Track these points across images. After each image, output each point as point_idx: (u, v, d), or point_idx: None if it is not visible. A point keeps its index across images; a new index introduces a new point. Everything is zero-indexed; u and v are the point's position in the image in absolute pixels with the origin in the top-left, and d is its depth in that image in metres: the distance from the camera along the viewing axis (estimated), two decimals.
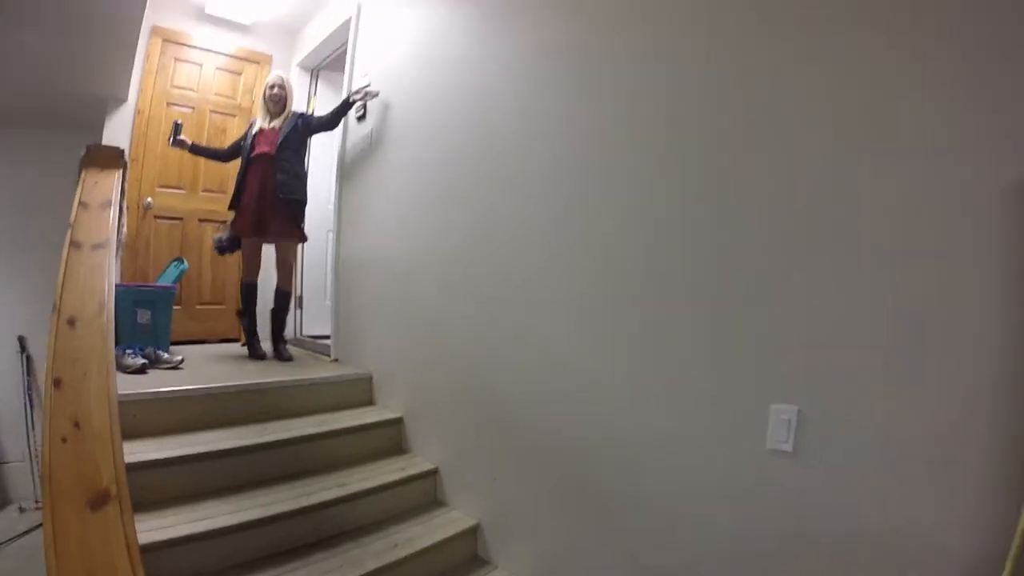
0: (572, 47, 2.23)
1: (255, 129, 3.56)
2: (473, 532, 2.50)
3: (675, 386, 1.82)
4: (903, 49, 1.38)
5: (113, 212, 1.94)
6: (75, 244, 1.69)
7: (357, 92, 3.40)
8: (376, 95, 3.36)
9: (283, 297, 3.61)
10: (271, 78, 3.64)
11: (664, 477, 1.85)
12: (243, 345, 3.75)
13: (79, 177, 2.12)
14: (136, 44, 3.51)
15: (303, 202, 3.58)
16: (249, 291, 3.62)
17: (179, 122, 3.50)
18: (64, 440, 1.08)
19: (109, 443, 1.08)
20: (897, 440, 1.35)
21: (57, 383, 1.20)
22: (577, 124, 2.19)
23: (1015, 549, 1.10)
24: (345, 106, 3.48)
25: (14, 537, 3.89)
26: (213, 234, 3.85)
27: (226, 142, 4.21)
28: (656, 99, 1.92)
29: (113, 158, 2.26)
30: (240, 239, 3.53)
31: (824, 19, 1.53)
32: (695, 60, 1.82)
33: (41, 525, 3.14)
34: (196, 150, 3.62)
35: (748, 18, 1.70)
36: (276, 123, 3.53)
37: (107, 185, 2.09)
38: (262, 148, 3.46)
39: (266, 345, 3.65)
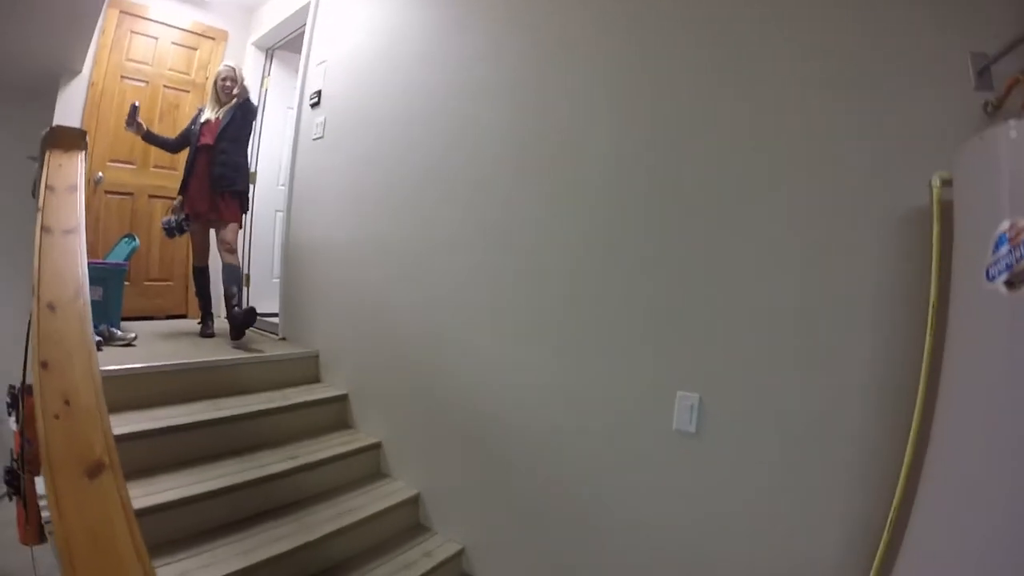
0: (518, 57, 2.41)
1: (203, 118, 3.61)
2: (415, 501, 2.70)
3: (595, 378, 2.07)
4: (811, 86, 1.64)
5: (80, 196, 2.02)
6: (46, 229, 1.77)
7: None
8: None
9: (230, 270, 3.53)
10: (223, 70, 3.66)
11: (585, 458, 2.10)
12: (198, 323, 3.82)
13: (42, 158, 2.18)
14: (97, 18, 3.50)
15: (243, 191, 3.67)
16: (199, 275, 3.75)
17: (136, 104, 3.46)
18: (57, 416, 1.22)
19: (97, 417, 1.23)
20: (780, 421, 1.63)
21: (44, 365, 1.32)
22: (516, 135, 2.39)
23: (888, 529, 1.37)
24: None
25: None
26: (162, 218, 3.83)
27: (179, 118, 4.25)
28: (596, 122, 2.13)
29: (76, 139, 2.27)
30: (187, 224, 3.63)
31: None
32: (632, 81, 2.04)
33: None
34: (149, 138, 3.60)
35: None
36: (220, 113, 3.59)
37: (71, 168, 2.14)
38: (205, 139, 3.54)
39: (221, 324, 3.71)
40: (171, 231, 3.63)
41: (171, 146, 3.71)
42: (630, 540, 1.96)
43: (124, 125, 3.48)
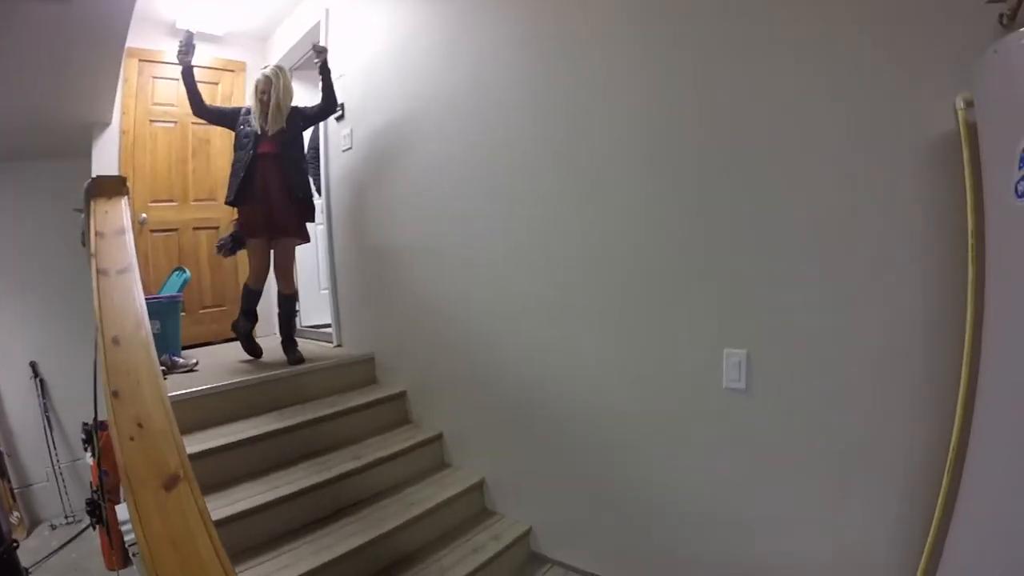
0: (544, 41, 2.41)
1: (252, 129, 3.33)
2: (479, 487, 2.80)
3: (643, 344, 2.12)
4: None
5: (128, 238, 2.15)
6: (102, 272, 1.89)
7: (317, 55, 3.34)
8: (324, 49, 3.34)
9: (289, 301, 3.54)
10: (259, 80, 3.35)
11: (640, 427, 2.15)
12: (244, 348, 3.59)
13: (87, 208, 2.30)
14: (119, 72, 3.64)
15: (311, 198, 3.51)
16: (254, 298, 3.49)
17: (191, 31, 3.28)
18: (132, 439, 1.33)
19: (170, 436, 1.34)
20: (827, 368, 1.65)
21: (116, 394, 1.44)
22: (550, 121, 2.40)
23: (946, 478, 1.37)
24: (326, 76, 3.38)
25: (49, 554, 4.07)
26: (218, 239, 3.66)
27: (211, 153, 4.43)
28: (635, 103, 2.12)
29: (117, 186, 2.37)
30: (243, 240, 3.43)
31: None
32: (672, 68, 2.01)
33: (71, 540, 3.40)
34: (188, 75, 3.27)
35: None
36: (280, 125, 3.34)
37: (117, 213, 2.26)
38: (266, 147, 3.31)
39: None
40: (229, 248, 3.50)
41: (200, 105, 3.33)
42: (688, 507, 2.01)
43: (177, 56, 3.24)
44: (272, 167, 3.33)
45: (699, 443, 1.97)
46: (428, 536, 2.53)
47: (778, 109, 1.71)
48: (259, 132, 3.33)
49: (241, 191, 3.28)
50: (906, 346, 1.50)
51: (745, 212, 1.80)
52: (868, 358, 1.57)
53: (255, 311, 3.56)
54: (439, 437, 3.04)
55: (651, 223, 2.05)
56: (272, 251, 3.45)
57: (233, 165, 3.36)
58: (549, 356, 2.45)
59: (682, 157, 1.96)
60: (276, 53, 4.66)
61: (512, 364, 2.62)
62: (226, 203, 3.41)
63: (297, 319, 4.69)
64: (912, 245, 1.48)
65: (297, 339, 3.90)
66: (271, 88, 3.31)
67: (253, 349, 3.55)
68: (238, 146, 3.37)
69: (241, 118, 3.40)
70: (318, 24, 3.94)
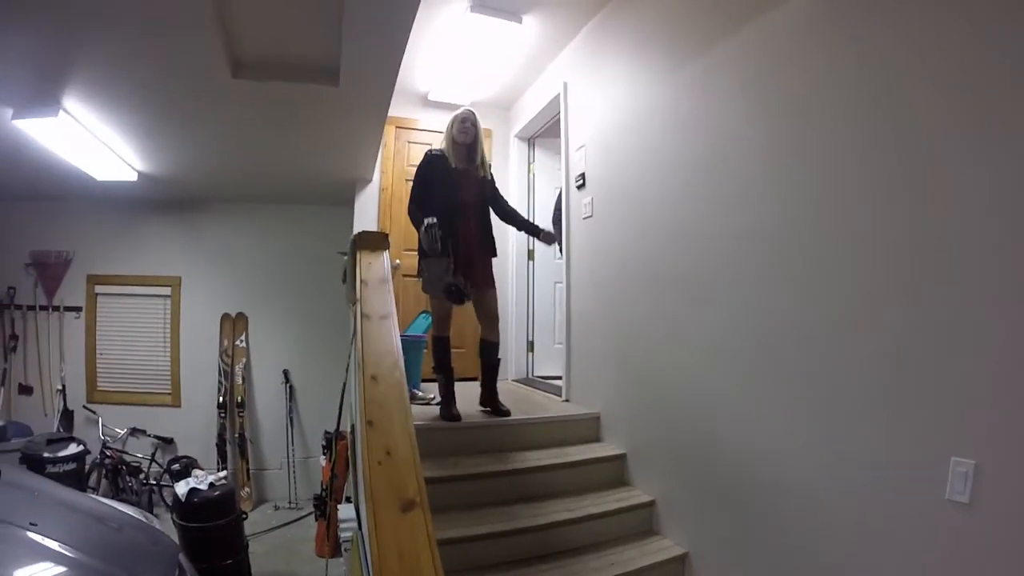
0: (768, 134, 2.42)
1: (450, 163, 3.34)
2: (681, 560, 2.75)
3: (861, 440, 1.97)
4: None
5: (389, 287, 2.47)
6: (366, 316, 2.22)
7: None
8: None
9: (493, 348, 3.50)
10: (463, 112, 3.41)
11: (848, 523, 1.99)
12: (436, 403, 3.47)
13: (352, 257, 2.65)
14: (380, 138, 4.26)
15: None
16: (445, 346, 3.47)
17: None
18: (379, 463, 1.58)
19: (412, 466, 1.56)
20: None
21: (370, 423, 1.71)
22: (788, 211, 2.35)
23: None
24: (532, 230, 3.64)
25: (269, 529, 4.84)
26: (450, 279, 3.20)
27: None
28: (845, 191, 2.07)
29: (380, 241, 2.65)
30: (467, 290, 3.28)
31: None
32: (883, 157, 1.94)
33: (290, 523, 4.22)
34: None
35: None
36: (478, 170, 3.43)
37: (379, 265, 2.55)
38: (469, 196, 3.38)
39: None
40: (460, 295, 3.24)
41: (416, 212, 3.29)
42: None
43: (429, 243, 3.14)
44: (474, 218, 3.38)
45: (908, 550, 1.78)
46: None
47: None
48: (455, 168, 3.32)
49: (451, 241, 3.20)
50: None
51: (992, 320, 1.59)
52: None
53: (450, 365, 3.46)
54: (651, 504, 3.03)
55: (885, 316, 1.90)
56: (477, 301, 3.41)
57: (442, 215, 3.20)
58: (762, 436, 2.37)
59: (902, 253, 1.85)
60: (519, 122, 5.16)
61: (726, 443, 2.56)
62: (427, 255, 3.25)
63: (529, 368, 5.01)
64: None
65: (525, 387, 4.09)
66: (474, 118, 3.39)
67: (450, 409, 3.29)
68: (434, 190, 3.31)
69: (429, 164, 3.39)
70: (557, 96, 4.29)
